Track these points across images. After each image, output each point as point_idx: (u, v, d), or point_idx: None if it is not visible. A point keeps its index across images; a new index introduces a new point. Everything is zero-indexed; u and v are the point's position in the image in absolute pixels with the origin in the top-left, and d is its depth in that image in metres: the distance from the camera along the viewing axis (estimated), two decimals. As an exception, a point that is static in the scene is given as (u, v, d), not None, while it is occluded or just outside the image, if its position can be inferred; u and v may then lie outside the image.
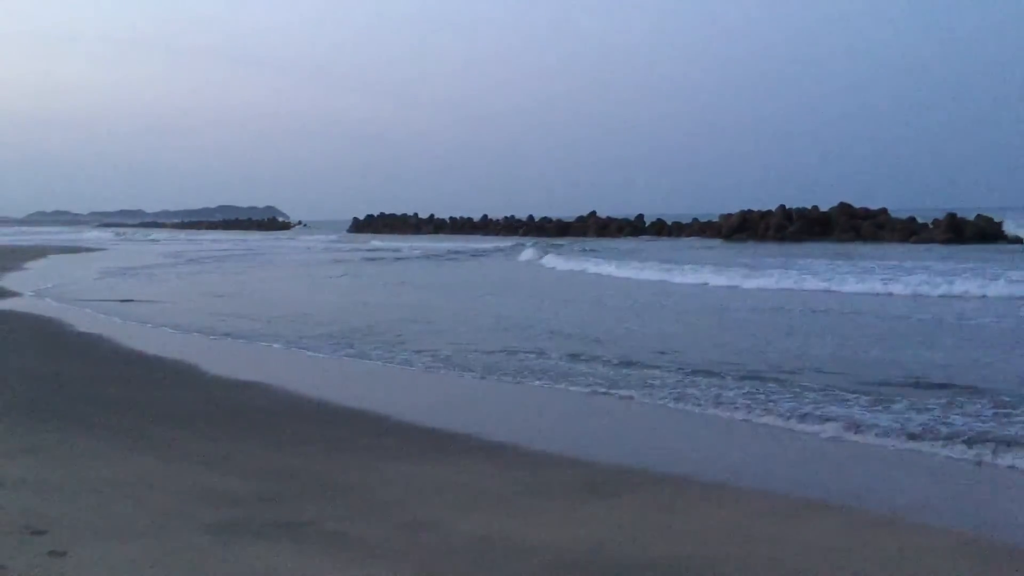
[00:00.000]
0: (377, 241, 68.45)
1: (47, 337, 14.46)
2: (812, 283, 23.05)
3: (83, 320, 16.52)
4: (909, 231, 51.21)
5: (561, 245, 49.63)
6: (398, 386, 10.77)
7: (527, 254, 39.27)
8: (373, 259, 42.77)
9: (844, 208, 55.38)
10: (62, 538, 4.93)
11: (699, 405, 9.08)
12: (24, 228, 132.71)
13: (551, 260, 33.75)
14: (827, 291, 21.73)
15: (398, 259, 42.38)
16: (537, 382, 10.48)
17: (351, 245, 64.50)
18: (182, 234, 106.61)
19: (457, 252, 46.69)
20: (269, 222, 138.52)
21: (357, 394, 10.03)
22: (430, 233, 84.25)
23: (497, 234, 77.17)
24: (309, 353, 12.90)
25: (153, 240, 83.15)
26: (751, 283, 23.82)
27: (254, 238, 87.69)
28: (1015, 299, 19.10)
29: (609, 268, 29.80)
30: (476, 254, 44.81)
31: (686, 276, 26.02)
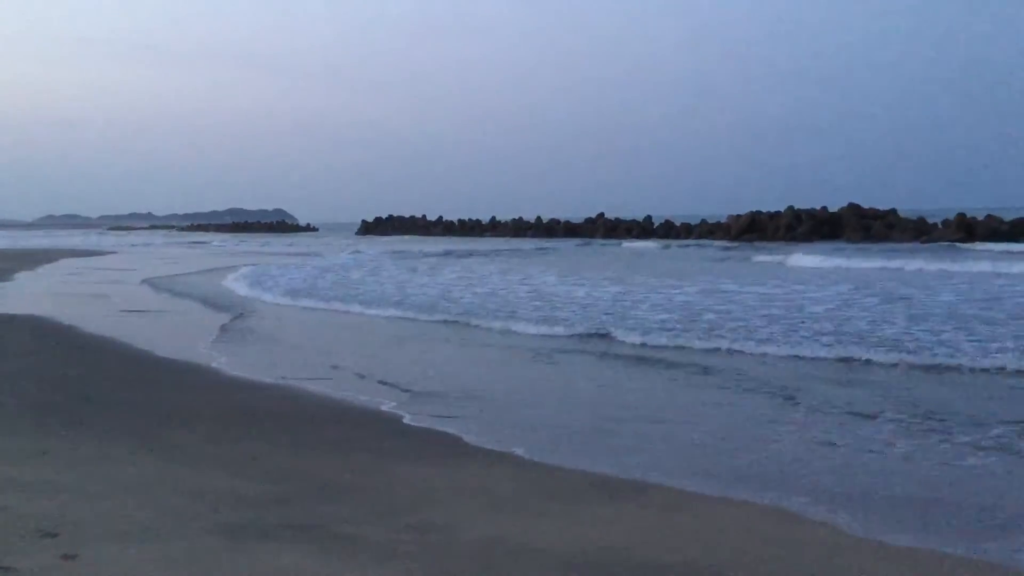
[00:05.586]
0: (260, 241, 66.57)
1: (55, 339, 14.47)
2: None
3: (90, 322, 16.53)
4: (920, 231, 51.10)
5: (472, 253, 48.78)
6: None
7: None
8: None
9: (854, 208, 55.28)
10: (74, 541, 4.94)
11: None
12: (33, 232, 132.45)
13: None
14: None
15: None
16: None
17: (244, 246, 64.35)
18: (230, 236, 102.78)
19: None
20: (279, 225, 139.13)
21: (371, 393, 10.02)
22: (439, 235, 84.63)
23: (505, 235, 77.49)
24: None
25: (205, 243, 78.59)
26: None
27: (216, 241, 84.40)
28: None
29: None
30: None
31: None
